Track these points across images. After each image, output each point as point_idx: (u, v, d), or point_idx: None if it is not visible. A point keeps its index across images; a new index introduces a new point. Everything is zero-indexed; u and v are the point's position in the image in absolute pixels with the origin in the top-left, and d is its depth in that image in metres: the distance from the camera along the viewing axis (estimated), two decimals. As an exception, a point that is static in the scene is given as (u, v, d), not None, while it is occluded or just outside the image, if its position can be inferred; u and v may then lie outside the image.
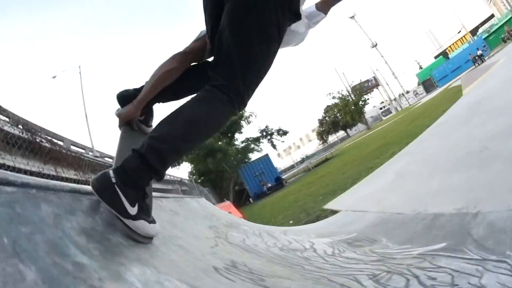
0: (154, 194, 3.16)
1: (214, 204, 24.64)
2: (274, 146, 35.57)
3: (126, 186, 1.78)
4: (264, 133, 34.89)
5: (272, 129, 35.10)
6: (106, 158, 27.41)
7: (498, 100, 7.38)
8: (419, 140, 9.56)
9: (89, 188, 1.77)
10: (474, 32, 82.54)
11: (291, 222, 8.32)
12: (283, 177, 35.07)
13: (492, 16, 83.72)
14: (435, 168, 5.35)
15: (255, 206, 21.45)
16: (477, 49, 48.26)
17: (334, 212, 6.66)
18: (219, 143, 29.48)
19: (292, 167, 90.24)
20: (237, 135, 34.49)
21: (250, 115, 32.95)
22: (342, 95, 73.00)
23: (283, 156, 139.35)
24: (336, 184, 10.60)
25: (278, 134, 35.15)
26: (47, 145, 6.44)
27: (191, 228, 2.90)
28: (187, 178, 36.68)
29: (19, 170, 5.35)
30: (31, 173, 5.56)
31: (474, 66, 41.85)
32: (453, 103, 12.55)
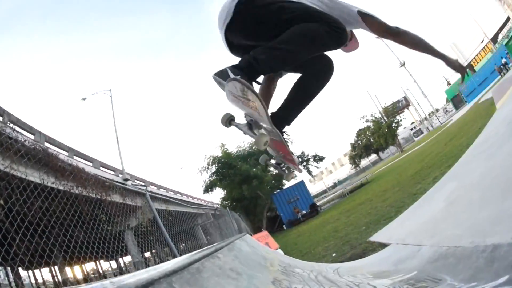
0: (210, 249, 3.01)
1: (247, 229, 24.43)
2: (310, 173, 35.41)
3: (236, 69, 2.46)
4: (300, 159, 34.60)
5: (308, 155, 34.92)
6: (136, 181, 27.66)
7: None
8: (461, 162, 9.16)
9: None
10: (494, 39, 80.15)
11: (334, 255, 8.14)
12: (317, 203, 34.72)
13: (508, 19, 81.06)
14: (486, 192, 5.03)
15: (289, 234, 21.08)
16: (501, 57, 47.56)
17: (382, 245, 6.47)
18: (254, 169, 29.33)
19: (324, 192, 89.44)
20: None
21: (286, 141, 32.80)
22: (375, 117, 72.45)
23: (315, 182, 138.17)
24: (379, 213, 10.32)
25: (314, 160, 34.93)
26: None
27: None
28: (219, 203, 36.70)
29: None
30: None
31: (500, 76, 41.14)
32: (488, 119, 12.11)
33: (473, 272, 3.16)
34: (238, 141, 56.90)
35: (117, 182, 6.49)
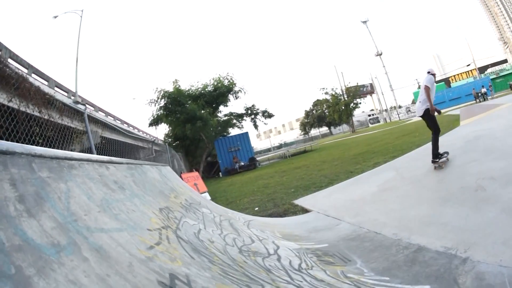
0: (102, 158, 2.55)
1: (183, 169, 24.16)
2: (256, 126, 34.79)
3: None
4: (249, 112, 34.15)
5: (258, 109, 34.46)
6: (86, 105, 26.76)
7: (499, 143, 7.33)
8: (407, 157, 9.33)
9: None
10: (482, 70, 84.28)
11: (256, 208, 7.91)
12: (257, 158, 34.81)
13: (505, 61, 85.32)
14: (424, 193, 5.16)
15: (223, 182, 20.92)
16: (482, 86, 48.31)
17: (304, 210, 6.29)
18: (202, 111, 28.71)
19: (268, 150, 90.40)
20: (222, 108, 33.89)
21: (240, 90, 32.21)
22: (336, 93, 72.59)
23: (262, 138, 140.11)
24: (311, 179, 10.22)
25: (263, 115, 34.38)
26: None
27: (133, 211, 2.21)
28: (162, 139, 36.05)
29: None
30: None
31: (474, 101, 42.52)
32: (448, 130, 12.49)
33: (388, 265, 3.02)
34: (192, 80, 55.75)
35: (58, 99, 5.87)
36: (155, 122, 31.27)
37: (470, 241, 3.03)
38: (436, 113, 7.50)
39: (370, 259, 3.28)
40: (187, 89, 31.13)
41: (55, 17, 29.10)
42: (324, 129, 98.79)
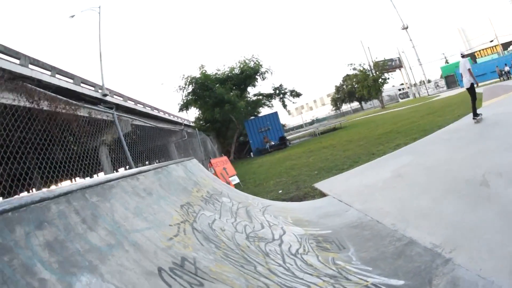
0: (133, 171, 3.18)
1: (215, 151, 24.79)
2: (284, 106, 34.86)
3: None
4: (278, 91, 34.31)
5: (286, 88, 34.52)
6: (115, 96, 27.66)
7: None
8: (427, 140, 9.53)
9: (59, 190, 1.95)
10: (506, 46, 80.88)
11: (280, 191, 8.40)
12: (288, 137, 35.20)
13: None
14: (431, 182, 5.29)
15: (254, 162, 21.35)
16: (505, 64, 46.73)
17: (322, 194, 6.73)
18: (231, 93, 29.17)
19: (300, 126, 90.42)
20: (250, 89, 34.20)
21: (266, 71, 32.37)
22: (364, 68, 71.15)
23: (294, 114, 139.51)
24: (335, 161, 10.63)
25: (291, 94, 34.36)
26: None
27: (159, 212, 2.91)
28: (193, 122, 36.79)
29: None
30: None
31: (499, 80, 41.72)
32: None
33: (376, 256, 3.30)
34: (219, 64, 56.13)
35: (85, 106, 6.32)
36: (185, 106, 32.01)
37: (458, 241, 3.15)
38: (476, 85, 11.07)
39: (363, 248, 3.56)
40: (214, 74, 31.62)
41: (72, 16, 29.67)
42: (355, 104, 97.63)
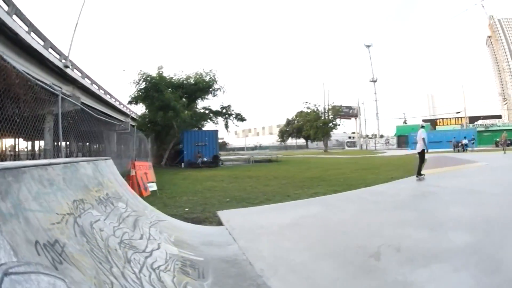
0: (44, 161, 3.85)
1: (148, 151, 24.90)
2: (226, 127, 35.73)
3: None
4: (225, 111, 35.31)
5: (233, 110, 35.53)
6: (75, 70, 27.51)
7: (440, 210, 7.58)
8: (345, 196, 10.12)
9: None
10: (473, 119, 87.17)
11: (186, 209, 8.76)
12: (224, 157, 36.07)
13: (499, 116, 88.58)
14: (321, 240, 5.48)
15: (180, 174, 21.26)
16: (465, 137, 49.82)
17: (219, 223, 7.08)
18: (179, 101, 29.75)
19: (242, 149, 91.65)
20: (200, 102, 34.91)
21: (219, 88, 33.28)
22: (318, 109, 74.81)
23: (240, 135, 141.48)
24: (251, 193, 11.18)
25: (236, 118, 35.57)
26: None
27: (52, 201, 3.36)
28: (139, 117, 37.07)
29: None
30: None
31: (452, 150, 44.18)
32: (408, 176, 13.90)
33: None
34: (178, 69, 56.81)
35: (38, 80, 6.54)
36: (134, 100, 32.27)
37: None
38: (426, 151, 13.95)
39: (220, 282, 3.84)
40: (170, 77, 32.15)
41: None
42: (301, 141, 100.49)
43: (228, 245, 5.37)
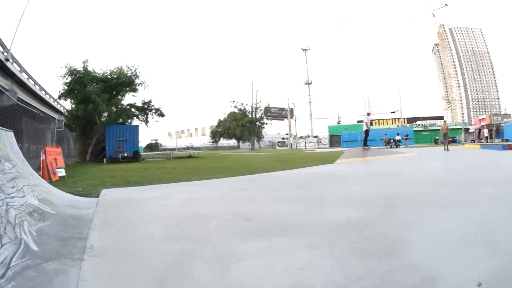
0: None
1: (71, 147, 25.05)
2: (146, 122, 36.17)
3: None
4: (146, 106, 35.78)
5: (153, 105, 35.96)
6: (14, 64, 27.24)
7: (326, 190, 7.64)
8: (228, 179, 10.57)
9: None
10: (412, 120, 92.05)
11: (80, 189, 9.24)
12: (148, 153, 36.77)
13: (441, 117, 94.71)
14: (164, 224, 4.75)
15: (97, 166, 21.98)
16: (397, 134, 51.59)
17: (97, 196, 7.59)
18: (98, 96, 29.78)
19: (174, 149, 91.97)
20: (126, 97, 35.15)
21: (141, 83, 33.56)
22: (245, 108, 75.70)
23: (173, 137, 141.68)
24: (146, 179, 11.63)
25: (156, 113, 36.02)
26: None
27: None
28: (67, 112, 36.98)
29: None
30: None
31: (384, 147, 46.46)
32: (321, 164, 14.82)
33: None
34: (103, 65, 55.99)
35: None
36: (63, 96, 32.24)
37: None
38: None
39: (52, 225, 4.39)
40: (94, 70, 32.38)
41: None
42: (233, 142, 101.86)
43: (87, 209, 5.93)
